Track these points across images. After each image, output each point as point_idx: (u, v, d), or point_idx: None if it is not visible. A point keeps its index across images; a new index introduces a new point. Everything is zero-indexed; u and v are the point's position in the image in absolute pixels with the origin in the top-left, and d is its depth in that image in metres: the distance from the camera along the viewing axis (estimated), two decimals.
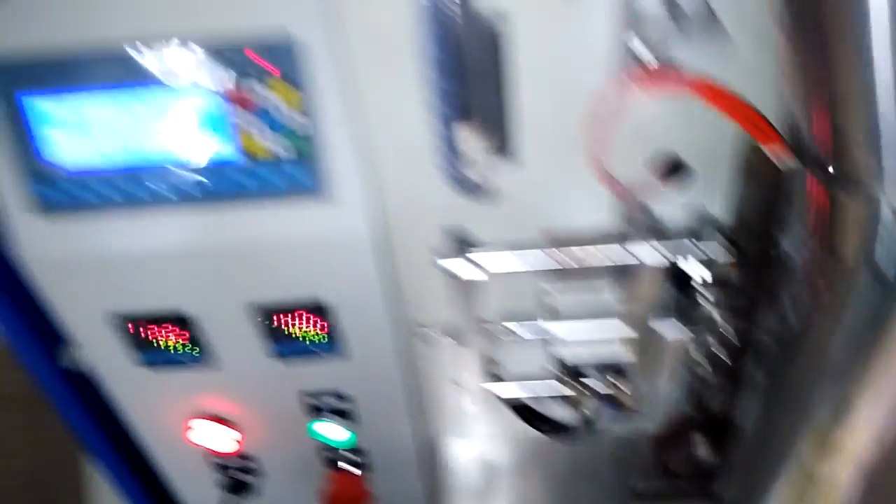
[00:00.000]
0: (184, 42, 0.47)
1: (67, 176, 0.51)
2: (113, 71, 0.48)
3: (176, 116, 0.49)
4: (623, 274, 0.49)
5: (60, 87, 0.48)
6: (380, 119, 0.49)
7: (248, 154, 0.51)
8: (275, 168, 0.52)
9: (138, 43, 0.46)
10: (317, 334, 0.61)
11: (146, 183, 0.52)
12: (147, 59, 0.47)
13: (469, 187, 0.46)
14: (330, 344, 0.61)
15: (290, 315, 0.59)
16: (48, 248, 0.54)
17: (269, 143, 0.51)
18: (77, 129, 0.50)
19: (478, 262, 0.48)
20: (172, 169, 0.51)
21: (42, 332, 0.62)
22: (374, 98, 0.48)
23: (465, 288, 0.49)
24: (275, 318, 0.59)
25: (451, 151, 0.44)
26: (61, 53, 0.47)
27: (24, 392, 1.45)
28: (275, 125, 0.50)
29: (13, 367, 1.54)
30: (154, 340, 0.60)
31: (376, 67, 0.47)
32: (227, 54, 0.47)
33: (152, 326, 0.59)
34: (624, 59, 0.43)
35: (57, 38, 0.47)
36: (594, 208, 0.50)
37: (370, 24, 0.45)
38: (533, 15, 0.43)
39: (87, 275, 0.56)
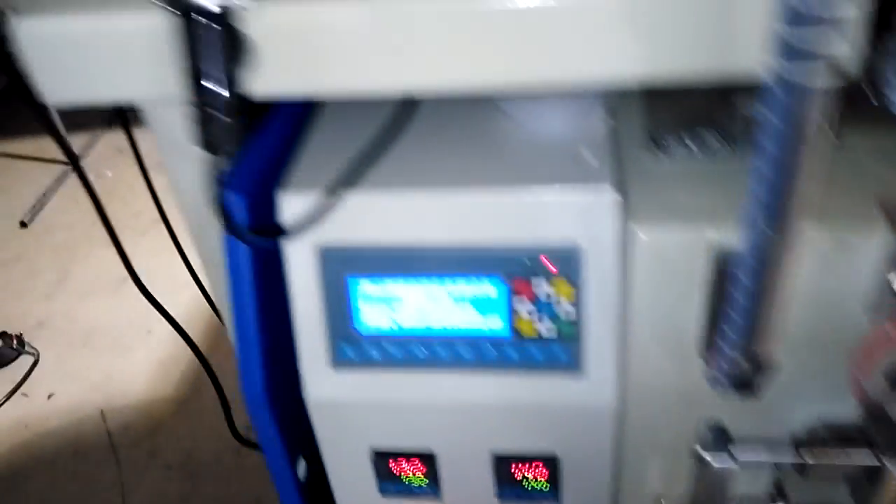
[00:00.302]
0: (486, 245, 0.56)
1: (364, 339, 0.61)
2: (425, 264, 0.58)
3: (468, 300, 0.58)
4: (864, 474, 0.53)
5: (381, 273, 0.58)
6: (644, 314, 0.56)
7: (518, 332, 0.59)
8: (538, 345, 0.60)
9: (453, 245, 0.56)
10: (540, 482, 0.67)
11: (428, 349, 0.61)
12: (457, 259, 0.57)
13: (726, 385, 0.52)
14: (551, 492, 0.67)
15: (521, 464, 0.66)
16: (331, 393, 0.64)
17: (537, 325, 0.59)
18: (385, 304, 0.59)
19: (730, 452, 0.54)
20: (452, 339, 0.60)
21: (288, 447, 0.72)
22: (643, 296, 0.56)
23: (710, 473, 0.55)
24: (507, 464, 0.66)
25: (718, 353, 0.51)
26: (385, 248, 0.58)
27: (188, 462, 1.58)
28: (546, 311, 0.58)
29: (180, 438, 1.68)
30: (399, 473, 0.68)
31: (652, 276, 0.54)
32: (524, 258, 0.56)
33: (401, 461, 0.68)
34: (889, 300, 0.49)
35: (383, 235, 0.57)
36: (841, 412, 0.55)
37: (654, 241, 0.53)
38: (808, 255, 0.50)
39: (358, 417, 0.65)
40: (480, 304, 0.59)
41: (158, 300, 0.91)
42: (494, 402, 0.63)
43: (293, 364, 0.65)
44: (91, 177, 2.66)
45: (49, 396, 1.76)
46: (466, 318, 0.60)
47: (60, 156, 2.80)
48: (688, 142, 0.56)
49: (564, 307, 0.58)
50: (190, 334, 0.95)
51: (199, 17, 0.36)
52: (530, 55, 0.42)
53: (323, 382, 0.63)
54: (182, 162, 0.59)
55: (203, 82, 0.37)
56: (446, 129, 0.61)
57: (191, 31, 0.37)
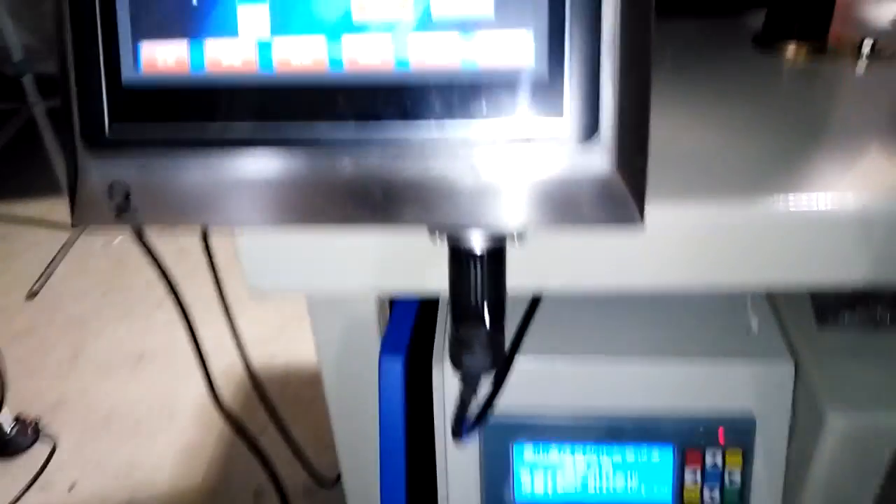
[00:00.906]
0: (658, 414, 0.55)
1: None
2: (593, 431, 0.56)
3: (633, 467, 0.57)
4: None
5: (546, 440, 0.57)
6: (818, 488, 0.55)
7: (681, 499, 0.58)
8: None
9: (624, 413, 0.55)
10: None
11: None
12: (627, 426, 0.55)
13: None
14: None
15: None
16: None
17: (702, 493, 0.57)
18: (545, 470, 0.58)
19: None
20: None
21: None
22: (820, 471, 0.54)
23: None
24: None
25: None
26: (552, 416, 0.56)
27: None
28: (713, 480, 0.57)
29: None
30: None
31: (833, 453, 0.53)
32: (698, 428, 0.55)
33: None
34: None
35: (550, 402, 0.56)
36: None
37: (841, 422, 0.52)
38: None
39: None
40: (645, 471, 0.57)
41: (178, 377, 0.86)
42: None
43: None
44: (98, 244, 2.58)
45: (70, 487, 1.68)
46: (628, 485, 0.58)
47: (66, 218, 2.75)
48: (856, 315, 0.55)
49: (731, 475, 0.57)
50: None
51: (468, 257, 0.35)
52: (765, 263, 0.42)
53: None
54: (335, 340, 0.57)
55: (467, 311, 0.36)
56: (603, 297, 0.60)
57: (459, 267, 0.35)
